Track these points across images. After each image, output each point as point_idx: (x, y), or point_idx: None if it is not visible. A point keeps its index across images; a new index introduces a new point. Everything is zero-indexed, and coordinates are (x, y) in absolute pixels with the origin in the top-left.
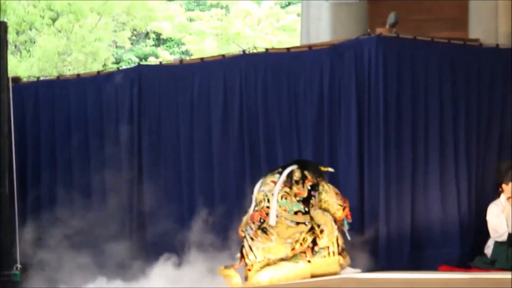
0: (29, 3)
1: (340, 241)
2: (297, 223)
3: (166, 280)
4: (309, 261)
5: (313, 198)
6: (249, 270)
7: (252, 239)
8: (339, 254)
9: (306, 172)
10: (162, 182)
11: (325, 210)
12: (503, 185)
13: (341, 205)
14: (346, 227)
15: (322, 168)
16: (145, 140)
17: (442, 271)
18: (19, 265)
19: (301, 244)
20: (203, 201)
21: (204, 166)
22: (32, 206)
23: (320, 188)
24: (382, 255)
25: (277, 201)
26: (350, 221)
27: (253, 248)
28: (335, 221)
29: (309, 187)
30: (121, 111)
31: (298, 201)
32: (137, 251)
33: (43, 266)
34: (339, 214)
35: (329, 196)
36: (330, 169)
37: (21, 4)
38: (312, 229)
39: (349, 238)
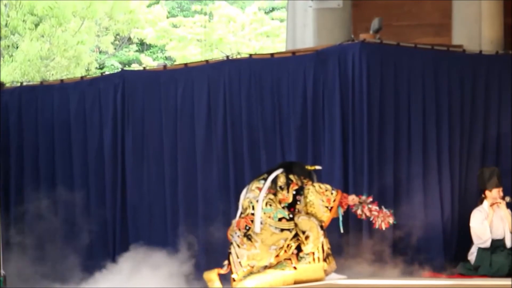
0: (10, 7)
1: (326, 247)
2: (282, 230)
3: (147, 281)
4: (294, 268)
5: (298, 203)
6: (234, 280)
7: (238, 246)
8: (324, 260)
9: (291, 176)
10: (145, 187)
11: (312, 214)
12: (486, 192)
13: (327, 207)
14: (340, 217)
15: (309, 167)
16: (128, 145)
17: (425, 277)
18: (2, 272)
19: (285, 251)
20: (186, 206)
21: (188, 171)
22: (16, 212)
23: (305, 191)
24: (365, 260)
25: (262, 208)
26: (343, 210)
27: (239, 255)
28: (322, 226)
29: (294, 192)
30: (105, 117)
31: (283, 207)
32: (118, 255)
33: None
34: (326, 216)
35: (315, 198)
36: (318, 167)
37: (2, 9)
38: (296, 236)
39: (342, 230)
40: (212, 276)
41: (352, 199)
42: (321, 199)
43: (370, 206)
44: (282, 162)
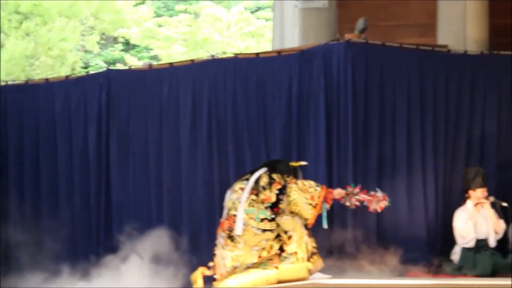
0: None
1: (310, 246)
2: (264, 231)
3: (131, 280)
4: (276, 268)
5: (281, 202)
6: (215, 280)
7: (222, 247)
8: (309, 259)
9: (274, 175)
10: (130, 187)
11: (296, 212)
12: (470, 192)
13: (311, 204)
14: (324, 213)
15: (294, 164)
16: (113, 144)
17: (410, 277)
18: None
19: (268, 251)
20: (171, 206)
21: (173, 171)
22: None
23: (288, 190)
24: (350, 260)
25: (244, 209)
26: (328, 206)
27: (223, 257)
28: (306, 225)
29: (277, 191)
30: (90, 116)
31: (266, 207)
32: (103, 254)
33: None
34: (311, 213)
35: (298, 196)
36: (303, 163)
37: None
38: (278, 236)
39: (325, 226)
40: (196, 277)
41: (338, 192)
42: (305, 197)
43: (358, 196)
44: (266, 160)
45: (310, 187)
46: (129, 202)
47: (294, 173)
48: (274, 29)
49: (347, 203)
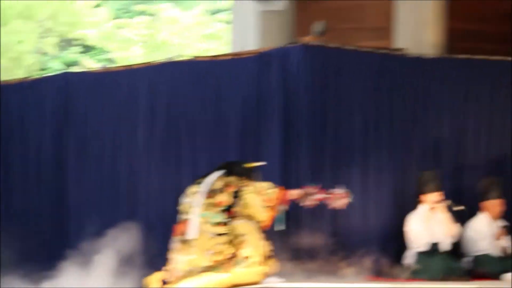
0: None
1: (265, 250)
2: (218, 235)
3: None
4: (230, 272)
5: (236, 205)
6: (167, 283)
7: (177, 251)
8: (263, 263)
9: (229, 178)
10: (87, 189)
11: (251, 216)
12: (425, 195)
13: (267, 206)
14: (280, 215)
15: (249, 165)
16: (70, 146)
17: (364, 281)
18: None
19: (222, 255)
20: (127, 208)
21: (129, 173)
22: None
23: (243, 193)
24: (303, 263)
25: (199, 213)
26: (285, 207)
27: (177, 261)
28: (261, 229)
29: (231, 194)
30: (47, 118)
31: (221, 210)
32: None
33: None
34: (266, 216)
35: (253, 198)
36: (258, 163)
37: None
38: (233, 240)
39: (281, 227)
40: (151, 281)
41: (294, 193)
42: (260, 199)
43: (315, 196)
44: (222, 163)
45: (266, 189)
46: (85, 204)
47: (251, 174)
48: (234, 31)
49: (305, 203)
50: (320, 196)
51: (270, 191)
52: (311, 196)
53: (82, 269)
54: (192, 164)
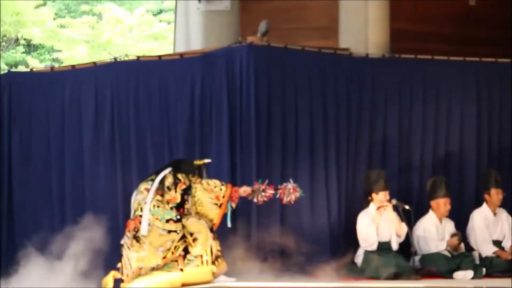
0: None
1: (215, 249)
2: (169, 232)
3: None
4: (181, 270)
5: (186, 202)
6: (123, 281)
7: (128, 248)
8: (213, 262)
9: (179, 175)
10: (32, 190)
11: (201, 212)
12: (373, 195)
13: (216, 204)
14: (229, 212)
15: (197, 162)
16: (15, 147)
17: (313, 280)
18: None
19: (172, 252)
20: (74, 209)
21: (75, 174)
22: None
23: (193, 190)
24: (252, 262)
25: (150, 210)
26: (234, 204)
27: (129, 257)
28: (212, 228)
29: (181, 192)
30: None
31: (171, 208)
32: (5, 258)
33: None
34: (216, 213)
35: (203, 196)
36: (206, 160)
37: None
38: (183, 237)
39: (229, 224)
40: (107, 280)
41: (244, 190)
42: (209, 197)
43: (264, 193)
44: (171, 160)
45: (215, 186)
46: (31, 205)
47: (199, 171)
48: (177, 31)
49: (255, 199)
50: (267, 193)
51: (219, 188)
52: (261, 192)
53: (28, 270)
54: (138, 164)
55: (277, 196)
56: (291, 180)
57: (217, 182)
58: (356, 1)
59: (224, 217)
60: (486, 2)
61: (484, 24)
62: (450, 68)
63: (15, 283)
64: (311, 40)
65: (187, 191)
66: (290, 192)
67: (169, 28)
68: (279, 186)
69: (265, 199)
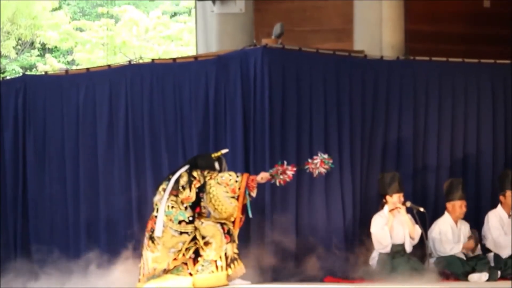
0: None
1: (231, 252)
2: (181, 233)
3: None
4: (190, 274)
5: (202, 200)
6: (139, 280)
7: (145, 248)
8: (228, 265)
9: (194, 173)
10: (47, 191)
11: (219, 210)
12: (387, 197)
13: (233, 197)
14: (248, 203)
15: (215, 155)
16: (30, 148)
17: (328, 282)
18: None
19: (183, 254)
20: (88, 210)
21: (90, 175)
22: None
23: (207, 187)
24: (267, 265)
25: (164, 211)
26: (253, 194)
27: (146, 258)
28: (229, 230)
29: (196, 190)
30: (6, 122)
31: (186, 207)
32: (20, 264)
33: None
34: (234, 206)
35: (218, 191)
36: (224, 151)
37: None
38: (194, 239)
39: (250, 215)
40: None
41: (262, 177)
42: (224, 191)
43: (285, 175)
44: (190, 158)
45: (230, 179)
46: (46, 207)
47: (219, 163)
48: (197, 34)
49: (277, 182)
50: (290, 172)
51: (233, 181)
52: (279, 176)
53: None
54: (152, 166)
55: (307, 170)
56: (319, 154)
57: (232, 174)
58: (370, 1)
59: (245, 208)
60: (501, 1)
61: (498, 25)
62: (465, 70)
63: (30, 284)
64: (326, 42)
65: (201, 189)
66: (317, 166)
67: (185, 29)
68: (307, 161)
69: (288, 179)
